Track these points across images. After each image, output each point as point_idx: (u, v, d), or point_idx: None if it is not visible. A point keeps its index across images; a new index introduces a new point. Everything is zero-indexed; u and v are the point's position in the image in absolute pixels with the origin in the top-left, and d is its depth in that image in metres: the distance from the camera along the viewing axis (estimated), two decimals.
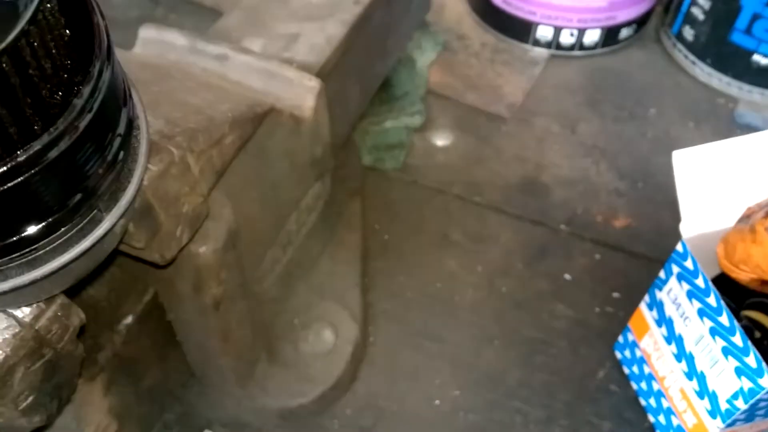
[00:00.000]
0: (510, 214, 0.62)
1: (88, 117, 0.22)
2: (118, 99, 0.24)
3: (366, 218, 0.61)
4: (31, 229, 0.23)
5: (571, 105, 0.70)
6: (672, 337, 0.46)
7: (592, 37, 0.73)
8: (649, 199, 0.63)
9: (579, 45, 0.73)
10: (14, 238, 0.23)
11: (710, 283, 0.41)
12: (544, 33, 0.73)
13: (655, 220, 0.62)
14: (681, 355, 0.45)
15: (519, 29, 0.74)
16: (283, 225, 0.48)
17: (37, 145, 0.21)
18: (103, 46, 0.23)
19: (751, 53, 0.67)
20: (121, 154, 0.25)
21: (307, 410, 0.49)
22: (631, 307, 0.56)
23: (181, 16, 0.78)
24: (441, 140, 0.68)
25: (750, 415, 0.42)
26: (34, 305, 0.28)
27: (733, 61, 0.69)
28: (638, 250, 0.59)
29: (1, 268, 0.24)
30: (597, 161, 0.66)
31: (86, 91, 0.22)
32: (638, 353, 0.50)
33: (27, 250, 0.24)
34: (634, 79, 0.73)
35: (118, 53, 0.24)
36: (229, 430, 0.49)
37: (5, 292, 0.25)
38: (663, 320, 0.46)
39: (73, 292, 0.31)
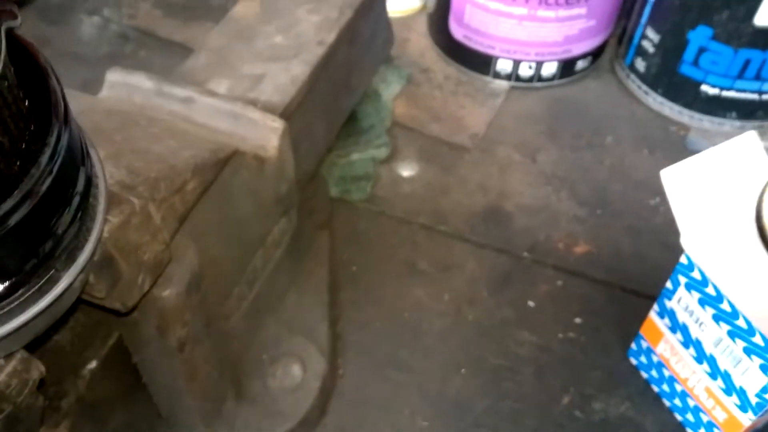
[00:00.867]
0: (474, 242, 0.64)
1: (48, 180, 0.23)
2: (76, 159, 0.25)
3: (334, 250, 0.62)
4: None
5: (531, 134, 0.73)
6: (689, 342, 0.47)
7: (549, 69, 0.75)
8: (607, 225, 0.65)
9: (537, 77, 0.76)
10: None
11: (721, 290, 0.42)
12: (503, 66, 0.75)
13: (613, 245, 0.64)
14: (701, 357, 0.46)
15: (480, 62, 0.76)
16: (249, 262, 0.48)
17: None
18: (60, 111, 0.23)
19: (700, 83, 0.71)
20: (80, 213, 0.25)
21: None
22: (593, 332, 0.58)
23: (150, 52, 0.79)
24: (406, 171, 0.69)
25: None
26: None
27: (683, 91, 0.73)
28: (598, 276, 0.61)
29: None
30: (557, 189, 0.68)
31: (44, 159, 0.22)
32: (655, 358, 0.51)
33: None
34: (590, 108, 0.76)
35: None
36: None
37: None
38: (677, 327, 0.47)
39: (35, 341, 0.31)
